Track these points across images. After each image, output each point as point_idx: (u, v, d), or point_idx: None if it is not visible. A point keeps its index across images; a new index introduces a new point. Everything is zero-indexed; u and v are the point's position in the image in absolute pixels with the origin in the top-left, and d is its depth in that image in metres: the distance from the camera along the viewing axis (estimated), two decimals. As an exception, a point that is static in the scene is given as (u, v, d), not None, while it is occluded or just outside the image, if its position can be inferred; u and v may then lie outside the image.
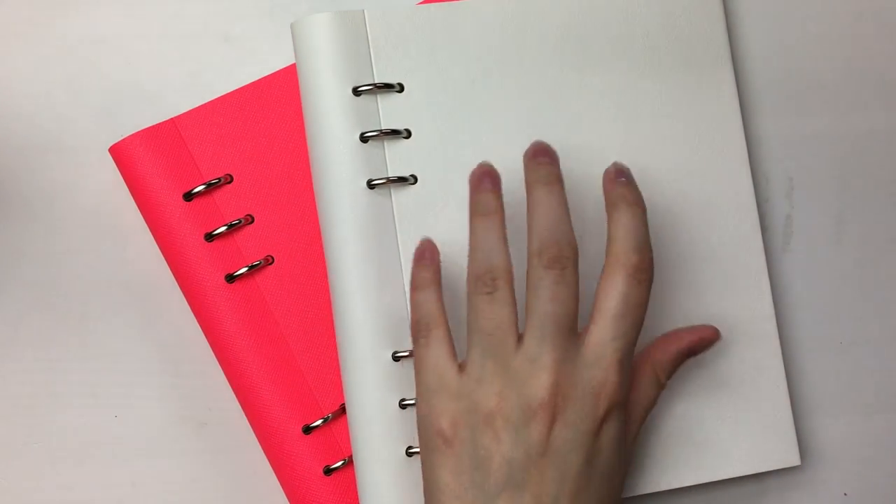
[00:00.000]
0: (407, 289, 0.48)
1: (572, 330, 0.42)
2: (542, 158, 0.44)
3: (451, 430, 0.43)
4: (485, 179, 0.44)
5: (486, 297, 0.42)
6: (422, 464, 0.45)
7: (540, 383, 0.42)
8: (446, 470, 0.43)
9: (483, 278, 0.43)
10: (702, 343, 0.47)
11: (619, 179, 0.44)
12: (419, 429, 0.45)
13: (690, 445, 0.50)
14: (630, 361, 0.44)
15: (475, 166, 0.45)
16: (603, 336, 0.43)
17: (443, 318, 0.44)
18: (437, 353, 0.44)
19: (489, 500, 0.42)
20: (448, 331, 0.44)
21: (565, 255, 0.42)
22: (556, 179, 0.43)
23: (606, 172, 0.45)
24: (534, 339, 0.42)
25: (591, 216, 0.50)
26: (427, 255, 0.45)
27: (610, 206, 0.44)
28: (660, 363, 0.46)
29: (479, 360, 0.43)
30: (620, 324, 0.42)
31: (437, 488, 0.43)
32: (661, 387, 0.46)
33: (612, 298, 0.43)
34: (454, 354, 0.44)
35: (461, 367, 0.44)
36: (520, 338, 0.43)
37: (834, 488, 0.53)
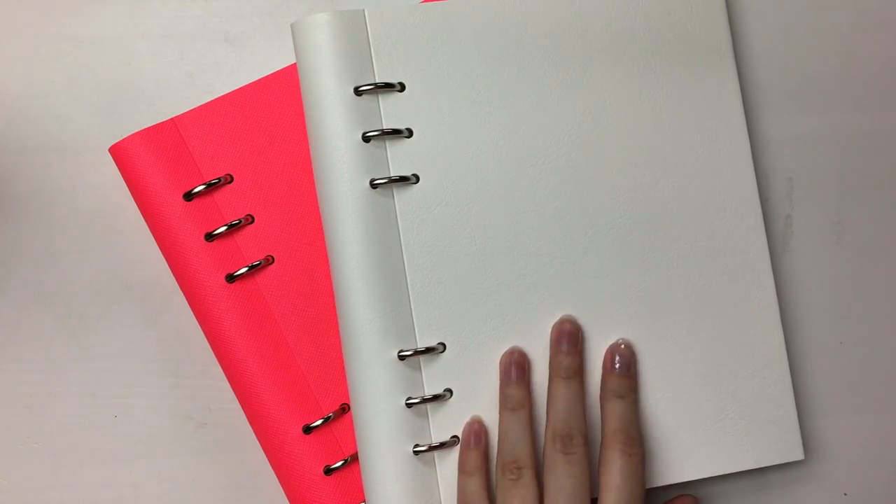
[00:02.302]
0: (411, 289, 0.49)
1: (587, 499, 0.47)
2: (566, 348, 0.49)
3: None
4: (512, 370, 0.49)
5: (511, 482, 0.47)
6: None
7: None
8: None
9: (509, 466, 0.48)
10: None
11: (614, 368, 0.50)
12: None
13: (695, 440, 0.50)
14: None
15: (506, 353, 0.50)
16: None
17: (486, 503, 0.48)
18: None
19: None
20: None
21: (576, 440, 0.48)
22: (575, 373, 0.49)
23: (606, 354, 0.50)
24: None
25: (591, 212, 0.50)
26: (474, 438, 0.49)
27: (602, 395, 0.50)
28: None
29: None
30: (625, 496, 0.47)
31: None
32: None
33: (613, 476, 0.47)
34: None
35: None
36: None
37: (835, 485, 0.53)
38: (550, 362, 0.50)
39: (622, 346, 0.50)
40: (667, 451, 0.50)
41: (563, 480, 0.47)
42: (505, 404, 0.49)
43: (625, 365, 0.50)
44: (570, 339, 0.49)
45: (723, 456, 0.50)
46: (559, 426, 0.48)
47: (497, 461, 0.48)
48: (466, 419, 0.49)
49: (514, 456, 0.48)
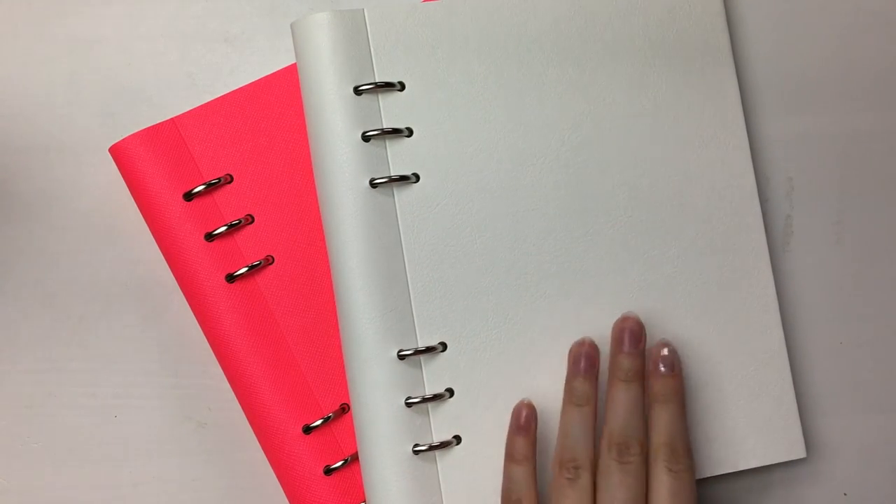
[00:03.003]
0: (411, 288, 0.49)
1: None
2: (627, 348, 0.48)
3: None
4: (581, 361, 0.48)
5: (567, 481, 0.47)
6: None
7: None
8: None
9: (567, 465, 0.47)
10: None
11: (659, 369, 0.48)
12: None
13: (696, 439, 0.50)
14: None
15: (577, 343, 0.49)
16: None
17: (533, 493, 0.48)
18: None
19: None
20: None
21: (633, 449, 0.46)
22: (636, 376, 0.48)
23: (652, 357, 0.49)
24: None
25: (591, 211, 0.50)
26: (525, 423, 0.48)
27: (650, 402, 0.48)
28: None
29: None
30: None
31: None
32: None
33: (659, 491, 0.46)
34: None
35: None
36: None
37: (835, 484, 0.53)
38: (611, 362, 0.48)
39: (665, 348, 0.48)
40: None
41: (615, 491, 0.46)
42: (570, 398, 0.48)
43: (669, 365, 0.48)
44: (632, 337, 0.48)
45: (724, 455, 0.50)
46: (616, 433, 0.47)
47: (555, 456, 0.48)
48: (474, 416, 0.49)
49: (573, 454, 0.47)
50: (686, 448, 0.47)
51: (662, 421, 0.47)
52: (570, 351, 0.49)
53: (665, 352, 0.48)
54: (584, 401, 0.48)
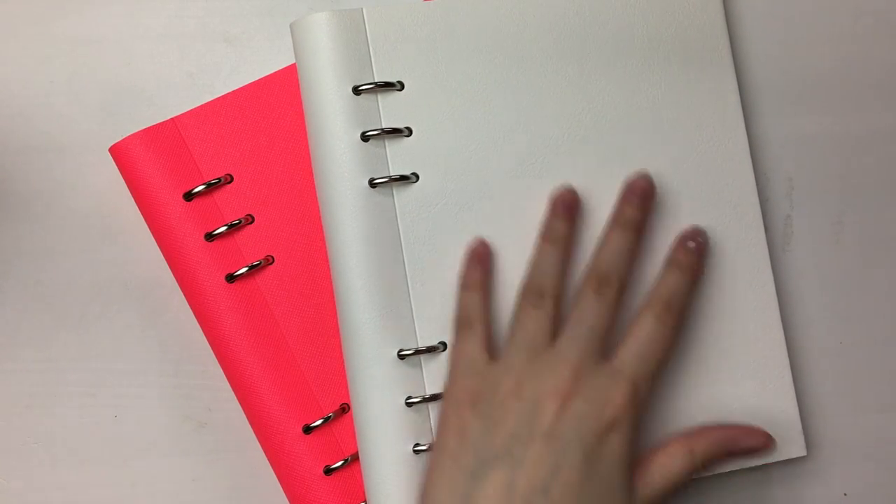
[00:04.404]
0: (411, 288, 0.49)
1: (602, 342, 0.46)
2: (637, 201, 0.48)
3: (469, 401, 0.45)
4: (560, 205, 0.48)
5: (530, 305, 0.46)
6: (436, 433, 0.47)
7: (559, 374, 0.45)
8: (453, 433, 0.45)
9: (531, 291, 0.47)
10: (749, 448, 0.48)
11: (687, 243, 0.49)
12: (443, 403, 0.47)
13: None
14: (649, 393, 0.46)
15: (557, 189, 0.49)
16: (624, 357, 0.46)
17: (485, 317, 0.48)
18: (473, 344, 0.47)
19: (481, 465, 0.44)
20: (489, 329, 0.48)
21: (612, 283, 0.46)
22: (635, 226, 0.48)
23: (682, 235, 0.49)
24: (565, 340, 0.46)
25: (590, 210, 0.50)
26: (478, 257, 0.49)
27: (666, 262, 0.48)
28: (698, 441, 0.47)
29: (514, 352, 0.46)
30: (640, 353, 0.46)
31: (440, 448, 0.45)
32: (693, 463, 0.46)
33: (639, 331, 0.46)
34: (488, 349, 0.47)
35: (494, 360, 0.46)
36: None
37: (835, 484, 0.53)
38: (614, 211, 0.48)
39: (698, 229, 0.49)
40: (667, 451, 0.50)
41: (585, 313, 0.46)
42: (544, 234, 0.48)
43: (698, 244, 0.48)
44: (642, 193, 0.48)
45: (724, 455, 0.51)
46: (600, 267, 0.46)
47: (520, 284, 0.47)
48: None
49: (540, 283, 0.47)
50: (683, 313, 0.47)
51: (670, 280, 0.47)
52: (550, 196, 0.49)
53: (700, 237, 0.49)
54: (559, 239, 0.47)
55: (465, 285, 0.48)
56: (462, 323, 0.48)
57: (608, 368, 0.45)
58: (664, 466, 0.46)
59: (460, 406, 0.46)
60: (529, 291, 0.47)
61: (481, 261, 0.49)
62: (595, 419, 0.44)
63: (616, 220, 0.48)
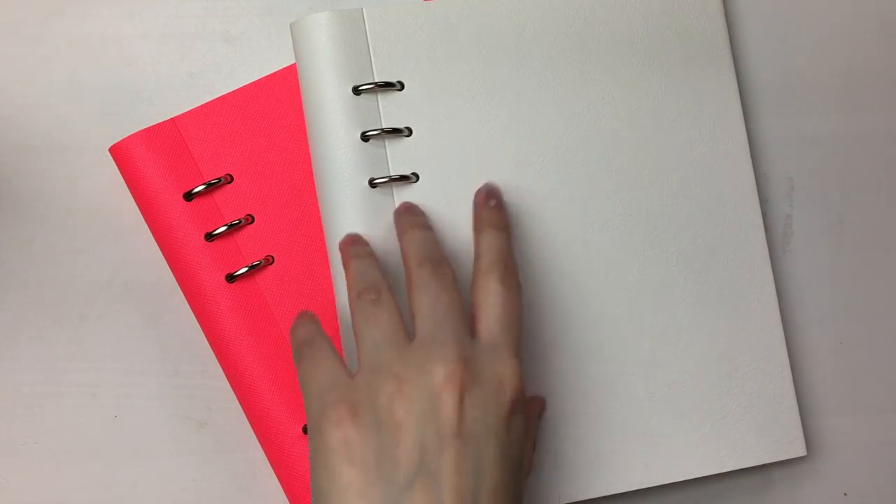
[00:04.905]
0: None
1: (464, 319, 0.42)
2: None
3: (348, 415, 0.39)
4: (348, 239, 0.47)
5: (370, 302, 0.42)
6: (311, 472, 0.40)
7: (443, 357, 0.40)
8: (347, 465, 0.38)
9: (366, 290, 0.42)
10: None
11: (489, 202, 0.47)
12: (310, 437, 0.40)
13: (696, 438, 0.50)
14: (520, 359, 0.42)
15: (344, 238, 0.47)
16: (492, 328, 0.42)
17: (323, 335, 0.44)
18: (325, 361, 0.42)
19: (402, 492, 0.38)
20: (332, 345, 0.43)
21: (446, 267, 0.43)
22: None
23: (477, 193, 0.48)
24: (426, 326, 0.41)
25: (590, 210, 0.50)
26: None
27: (477, 229, 0.46)
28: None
29: (373, 350, 0.41)
30: (504, 319, 0.42)
31: (339, 489, 0.38)
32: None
33: (490, 298, 0.43)
34: (343, 363, 0.42)
35: (353, 375, 0.42)
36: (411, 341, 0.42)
37: (835, 485, 0.53)
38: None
39: (491, 185, 0.47)
40: (668, 450, 0.50)
41: (436, 297, 0.41)
42: (349, 255, 0.45)
43: (499, 199, 0.47)
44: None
45: (725, 454, 0.50)
46: (420, 253, 0.43)
47: (349, 295, 0.43)
48: None
49: (368, 281, 0.43)
50: (516, 269, 0.44)
51: (494, 243, 0.44)
52: (341, 241, 0.47)
53: (496, 195, 0.47)
54: (364, 254, 0.45)
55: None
56: (302, 345, 0.43)
57: (484, 346, 0.41)
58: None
59: (340, 425, 0.39)
60: (363, 292, 0.42)
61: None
62: (497, 404, 0.40)
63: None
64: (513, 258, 0.45)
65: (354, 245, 0.46)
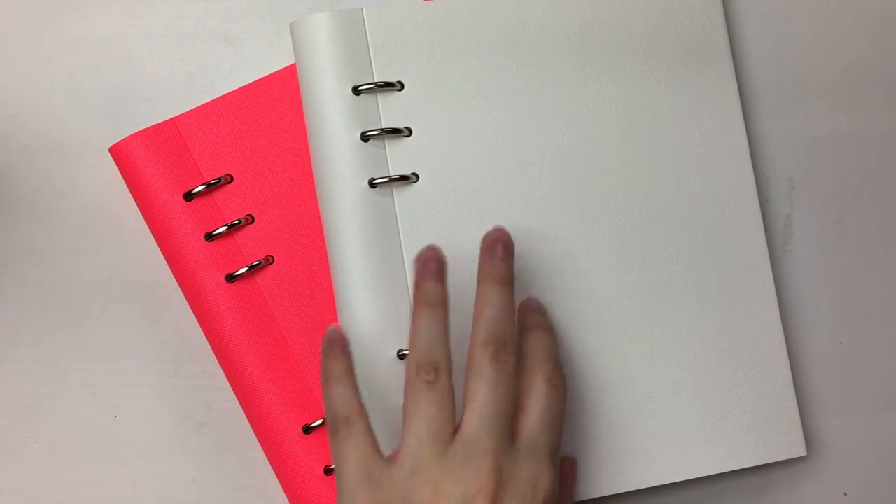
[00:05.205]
0: (411, 289, 0.49)
1: (510, 419, 0.43)
2: (503, 255, 0.45)
3: None
4: (431, 264, 0.44)
5: (426, 384, 0.42)
6: None
7: (480, 469, 0.41)
8: None
9: (425, 367, 0.42)
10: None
11: (531, 306, 0.47)
12: None
13: (697, 438, 0.50)
14: (558, 462, 0.44)
15: (422, 249, 0.45)
16: (533, 430, 0.43)
17: (362, 410, 0.44)
18: (361, 446, 0.43)
19: None
20: (369, 423, 0.43)
21: (510, 349, 0.43)
22: (510, 280, 0.45)
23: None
24: (473, 424, 0.42)
25: (590, 210, 0.50)
26: (337, 345, 0.45)
27: (525, 330, 0.46)
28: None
29: (416, 446, 0.42)
30: (546, 421, 0.43)
31: None
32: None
33: (535, 399, 0.44)
34: (378, 446, 0.43)
35: (391, 460, 0.43)
36: (456, 429, 0.43)
37: (835, 485, 0.53)
38: (481, 267, 0.45)
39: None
40: (668, 450, 0.50)
41: (488, 389, 0.42)
42: (422, 299, 0.44)
43: (539, 306, 0.47)
44: (506, 247, 0.45)
45: (725, 454, 0.50)
46: (491, 329, 0.43)
47: (409, 360, 0.43)
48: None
49: (431, 356, 0.42)
50: (563, 373, 0.45)
51: (541, 344, 0.45)
52: (417, 258, 0.45)
53: (534, 301, 0.48)
54: (438, 302, 0.43)
55: (328, 378, 0.44)
56: (340, 420, 0.43)
57: (523, 447, 0.42)
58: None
59: None
60: (422, 367, 0.42)
61: (340, 348, 0.45)
62: None
63: (490, 275, 0.44)
64: (560, 361, 0.45)
65: (431, 284, 0.44)
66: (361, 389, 0.44)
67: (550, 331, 0.47)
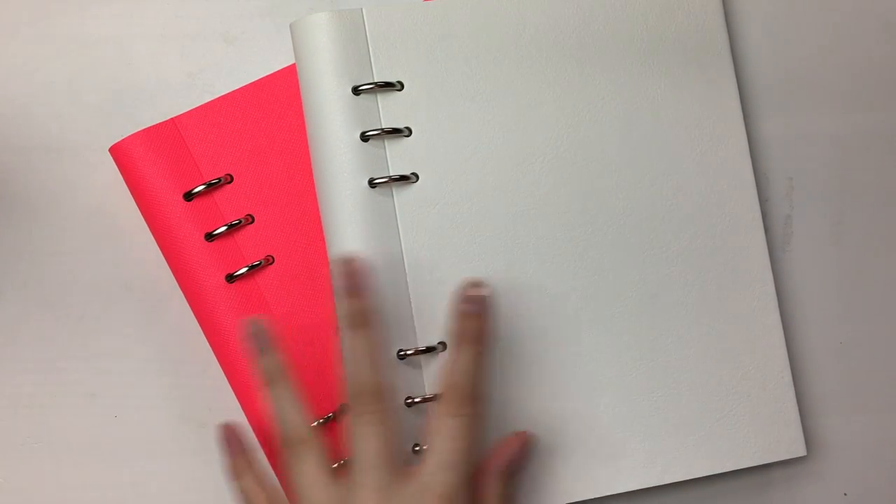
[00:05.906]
0: (410, 288, 0.49)
1: (398, 461, 0.44)
2: (469, 307, 0.46)
3: None
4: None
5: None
6: None
7: None
8: None
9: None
10: (514, 461, 0.48)
11: (467, 307, 0.46)
12: None
13: (697, 438, 0.50)
14: (461, 490, 0.44)
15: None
16: (429, 469, 0.44)
17: (266, 497, 0.46)
18: (310, 465, 0.45)
19: None
20: (321, 446, 0.46)
21: (367, 399, 0.44)
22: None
23: (460, 288, 0.47)
24: (359, 470, 0.44)
25: (590, 210, 0.50)
26: (234, 442, 0.48)
27: (452, 339, 0.46)
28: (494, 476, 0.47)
29: (362, 473, 0.44)
30: (445, 461, 0.44)
31: None
32: (504, 485, 0.47)
33: (439, 433, 0.44)
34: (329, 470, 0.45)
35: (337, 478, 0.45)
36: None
37: (835, 485, 0.53)
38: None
39: (477, 288, 0.46)
40: (668, 450, 0.50)
41: (363, 443, 0.44)
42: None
43: (477, 303, 0.46)
44: (350, 279, 0.46)
45: (725, 454, 0.50)
46: (353, 382, 0.45)
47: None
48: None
49: (289, 431, 0.45)
50: (474, 394, 0.45)
51: (457, 363, 0.45)
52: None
53: (475, 291, 0.46)
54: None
55: (235, 475, 0.47)
56: (294, 442, 0.46)
57: (413, 487, 0.44)
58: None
59: None
60: (288, 440, 0.45)
61: (238, 444, 0.48)
62: None
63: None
64: (475, 379, 0.45)
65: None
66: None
67: (474, 341, 0.46)
